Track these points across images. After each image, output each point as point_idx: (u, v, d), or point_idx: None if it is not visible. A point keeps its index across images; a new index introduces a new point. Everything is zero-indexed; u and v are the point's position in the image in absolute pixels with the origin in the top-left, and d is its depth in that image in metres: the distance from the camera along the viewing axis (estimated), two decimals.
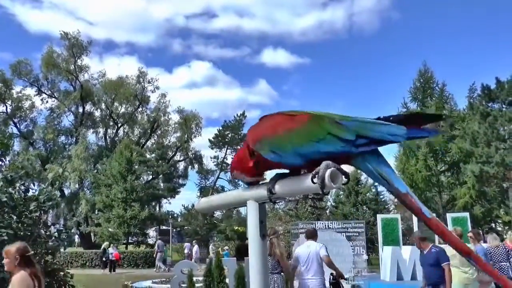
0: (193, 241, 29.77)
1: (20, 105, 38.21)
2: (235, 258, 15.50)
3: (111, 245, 26.78)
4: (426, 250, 6.96)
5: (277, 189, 1.51)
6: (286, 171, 1.60)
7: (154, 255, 26.19)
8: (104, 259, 25.47)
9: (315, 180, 1.34)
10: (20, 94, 38.13)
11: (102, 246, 26.09)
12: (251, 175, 1.63)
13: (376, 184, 33.01)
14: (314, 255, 6.81)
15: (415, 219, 18.09)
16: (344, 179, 1.37)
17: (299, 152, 1.46)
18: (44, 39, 75.60)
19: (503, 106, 24.52)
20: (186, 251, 27.21)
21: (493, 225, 28.07)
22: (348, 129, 1.44)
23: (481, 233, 10.42)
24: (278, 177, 1.56)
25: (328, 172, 1.32)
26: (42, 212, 6.70)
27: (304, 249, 6.98)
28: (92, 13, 61.51)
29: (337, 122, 1.46)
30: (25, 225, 6.31)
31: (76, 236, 41.37)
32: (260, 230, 1.56)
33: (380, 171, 1.47)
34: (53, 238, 7.04)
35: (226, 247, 27.01)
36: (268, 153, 1.51)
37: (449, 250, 8.00)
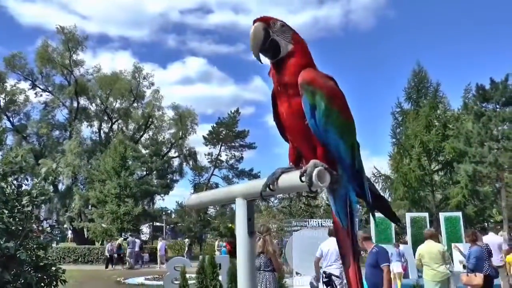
0: (160, 238, 29.65)
1: (13, 98, 37.98)
2: (228, 255, 15.53)
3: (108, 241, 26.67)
4: (369, 250, 6.93)
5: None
6: (281, 169, 1.61)
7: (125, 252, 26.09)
8: (121, 255, 25.38)
9: (303, 178, 1.36)
10: (14, 88, 37.92)
11: (117, 242, 25.84)
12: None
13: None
14: (334, 251, 7.87)
15: (408, 217, 18.20)
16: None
17: (325, 125, 1.50)
18: (36, 32, 74.95)
19: (497, 106, 24.58)
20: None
21: (485, 224, 28.24)
22: (360, 160, 1.63)
23: (477, 233, 10.46)
24: (280, 174, 1.54)
25: (316, 171, 1.33)
26: (34, 207, 6.67)
27: (326, 245, 8.25)
28: (85, 7, 61.14)
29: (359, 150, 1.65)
30: (16, 219, 6.28)
31: (69, 232, 41.25)
32: (248, 227, 1.57)
33: (353, 208, 1.63)
34: (46, 233, 7.02)
35: (225, 244, 26.94)
36: (308, 98, 1.50)
37: (420, 248, 8.18)
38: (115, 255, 25.21)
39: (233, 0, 65.52)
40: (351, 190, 1.61)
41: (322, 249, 8.29)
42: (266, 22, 1.60)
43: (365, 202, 1.66)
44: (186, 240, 31.82)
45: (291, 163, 1.66)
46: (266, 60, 1.62)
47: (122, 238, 27.03)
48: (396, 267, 12.88)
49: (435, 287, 7.80)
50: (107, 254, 25.09)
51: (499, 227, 27.26)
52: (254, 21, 1.60)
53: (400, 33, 67.87)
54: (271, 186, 1.50)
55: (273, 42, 1.59)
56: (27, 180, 7.77)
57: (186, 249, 30.37)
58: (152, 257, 27.96)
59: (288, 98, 1.57)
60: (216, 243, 28.54)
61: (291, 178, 1.42)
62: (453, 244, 12.35)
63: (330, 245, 8.12)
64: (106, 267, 24.44)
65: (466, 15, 64.71)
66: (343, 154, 1.54)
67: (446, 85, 44.12)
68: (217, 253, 24.34)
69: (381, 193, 1.84)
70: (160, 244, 26.58)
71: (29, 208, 6.53)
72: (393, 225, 17.12)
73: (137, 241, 26.62)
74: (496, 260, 10.52)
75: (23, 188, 6.98)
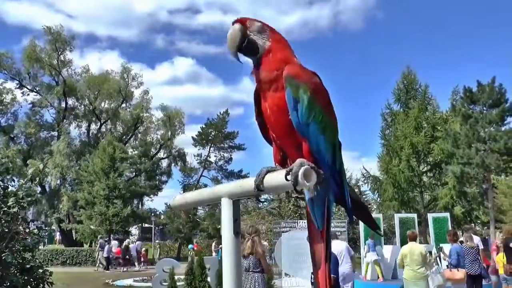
0: (130, 240, 29.55)
1: (0, 98, 37.52)
2: (217, 256, 15.48)
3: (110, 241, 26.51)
4: None
5: (252, 186, 1.49)
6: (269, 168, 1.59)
7: (96, 254, 25.91)
8: (127, 256, 25.27)
9: (288, 177, 1.34)
10: (0, 87, 37.48)
11: (124, 244, 25.74)
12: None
13: (359, 184, 33.38)
14: (343, 250, 8.79)
15: (396, 218, 18.31)
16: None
17: (307, 119, 1.50)
18: (22, 31, 74.09)
19: (484, 108, 24.80)
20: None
21: (472, 225, 28.46)
22: (341, 160, 1.63)
23: (458, 233, 10.92)
24: (265, 173, 1.53)
25: (302, 170, 1.31)
26: (20, 208, 6.59)
27: (335, 248, 8.71)
28: (72, 6, 60.44)
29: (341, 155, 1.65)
30: (2, 221, 6.21)
31: (57, 233, 40.88)
32: (233, 228, 1.55)
33: (330, 211, 1.64)
34: (33, 235, 6.94)
35: (221, 246, 26.70)
36: (292, 91, 1.51)
37: (403, 249, 8.64)
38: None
39: (222, 1, 65.19)
40: (330, 190, 1.60)
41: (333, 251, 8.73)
42: (243, 22, 1.64)
43: (344, 205, 1.64)
44: (157, 242, 31.45)
45: (276, 164, 1.65)
46: (246, 60, 1.67)
47: (129, 240, 26.96)
48: (372, 255, 14.52)
49: (414, 287, 8.21)
50: (105, 255, 24.90)
51: (486, 228, 27.55)
52: (232, 23, 1.65)
53: (389, 35, 68.22)
54: (260, 186, 1.49)
55: (251, 41, 1.62)
56: (14, 181, 7.67)
57: (158, 252, 30.07)
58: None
59: (272, 93, 1.57)
60: (213, 244, 28.46)
61: (276, 178, 1.41)
62: (441, 248, 12.67)
63: (338, 247, 8.67)
64: (107, 269, 24.28)
65: (455, 17, 65.28)
66: (323, 151, 1.53)
67: (434, 87, 44.43)
68: (213, 254, 24.36)
69: (362, 200, 1.84)
70: (131, 245, 26.50)
71: (15, 210, 6.45)
72: (382, 226, 17.22)
73: (112, 242, 26.51)
74: None
75: (9, 189, 6.90)
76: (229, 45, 1.62)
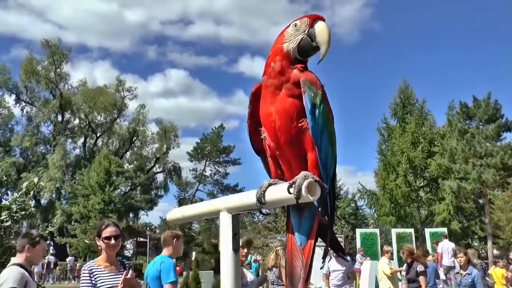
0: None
1: None
2: (212, 271, 15.36)
3: None
4: None
5: (253, 199, 1.43)
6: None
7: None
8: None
9: (291, 190, 1.27)
10: None
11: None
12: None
13: (356, 198, 33.25)
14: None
15: (393, 233, 18.23)
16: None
17: (322, 127, 1.47)
18: (11, 41, 73.64)
19: (480, 123, 24.88)
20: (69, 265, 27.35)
21: (469, 240, 28.34)
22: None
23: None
24: (267, 186, 1.46)
25: (306, 182, 1.25)
26: (13, 222, 6.49)
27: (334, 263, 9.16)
28: (62, 16, 60.15)
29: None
30: None
31: (51, 248, 40.49)
32: (233, 243, 1.47)
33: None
34: None
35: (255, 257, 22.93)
36: (310, 96, 1.49)
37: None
38: None
39: (214, 12, 64.85)
40: (325, 207, 1.52)
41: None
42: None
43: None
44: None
45: (276, 180, 1.54)
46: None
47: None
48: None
49: None
50: None
51: (483, 243, 27.42)
52: (320, 18, 1.73)
53: (385, 47, 68.17)
54: (262, 199, 1.42)
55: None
56: (8, 195, 7.59)
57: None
58: None
59: (287, 97, 1.53)
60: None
61: (279, 191, 1.35)
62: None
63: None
64: None
65: (452, 31, 65.60)
66: (329, 163, 1.49)
67: (431, 101, 44.40)
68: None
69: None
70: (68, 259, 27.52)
71: (9, 223, 6.35)
72: (379, 241, 17.15)
73: (51, 257, 26.79)
74: (448, 261, 12.84)
75: (2, 203, 6.81)
76: (329, 40, 1.67)
